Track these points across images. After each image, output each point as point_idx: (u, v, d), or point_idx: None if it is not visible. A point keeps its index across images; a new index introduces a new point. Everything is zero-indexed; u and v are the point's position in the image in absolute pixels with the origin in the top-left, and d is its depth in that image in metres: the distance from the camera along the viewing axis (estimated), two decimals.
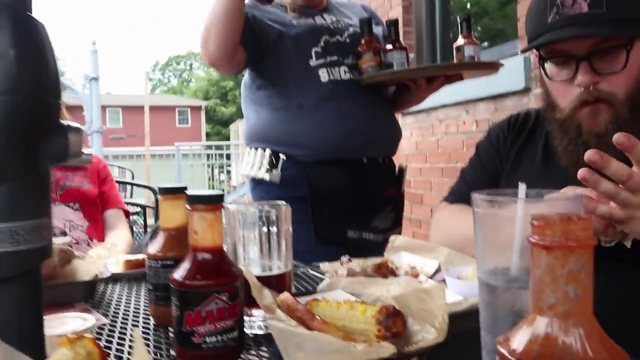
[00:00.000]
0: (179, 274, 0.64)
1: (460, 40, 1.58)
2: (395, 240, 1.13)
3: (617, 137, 0.80)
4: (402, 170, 1.70)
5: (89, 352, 0.56)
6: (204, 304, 0.62)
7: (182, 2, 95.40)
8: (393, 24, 1.64)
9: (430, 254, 1.05)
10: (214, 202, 0.64)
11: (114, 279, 1.11)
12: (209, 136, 33.54)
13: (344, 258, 1.02)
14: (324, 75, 1.55)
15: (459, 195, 1.29)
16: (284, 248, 0.81)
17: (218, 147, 10.85)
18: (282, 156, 1.54)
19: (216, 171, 10.84)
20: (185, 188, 0.83)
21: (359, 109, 1.56)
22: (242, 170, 1.63)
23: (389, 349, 0.58)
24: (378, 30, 1.69)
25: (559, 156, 1.07)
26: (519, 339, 0.38)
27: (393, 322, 0.63)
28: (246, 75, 1.67)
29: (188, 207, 0.64)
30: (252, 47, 1.53)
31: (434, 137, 3.17)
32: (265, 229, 0.80)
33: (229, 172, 12.04)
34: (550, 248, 0.36)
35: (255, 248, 0.80)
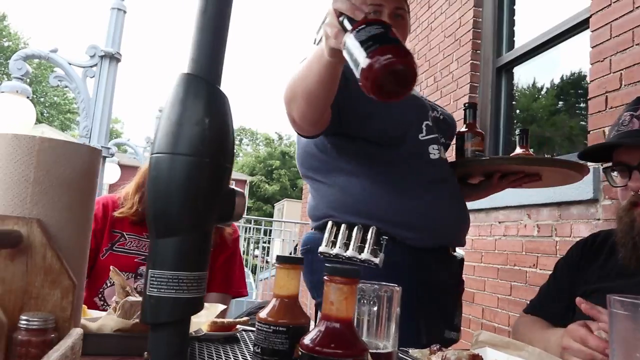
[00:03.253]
0: (310, 339, 0.68)
1: (518, 150, 1.63)
2: (479, 334, 1.13)
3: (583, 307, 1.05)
4: (462, 261, 1.62)
5: None
6: None
7: (236, 76, 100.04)
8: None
9: (518, 352, 1.04)
10: (353, 276, 0.68)
11: (205, 339, 1.14)
12: (249, 210, 34.01)
13: (435, 347, 1.03)
14: (434, 152, 1.43)
15: (533, 308, 1.43)
16: (393, 329, 0.83)
17: (257, 222, 10.99)
18: (384, 237, 1.33)
19: (252, 245, 10.92)
20: (302, 259, 0.87)
21: (458, 193, 1.48)
22: (325, 248, 1.36)
23: None
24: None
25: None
26: None
27: None
28: (321, 139, 1.41)
29: (326, 277, 0.69)
30: (346, 111, 1.34)
31: (491, 237, 3.16)
32: (375, 308, 0.84)
33: (263, 247, 12.12)
34: None
35: (365, 325, 0.83)
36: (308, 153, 1.47)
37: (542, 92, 3.49)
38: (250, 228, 10.52)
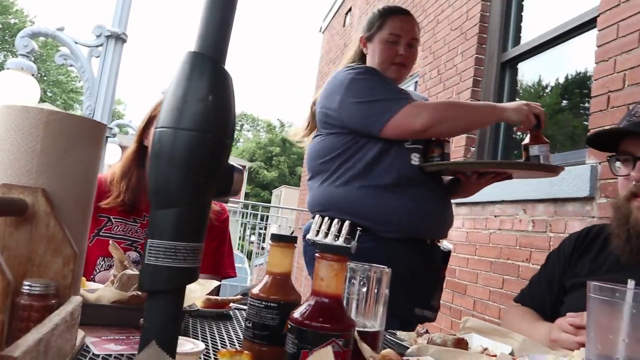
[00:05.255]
0: (299, 313, 0.71)
1: (527, 139, 1.66)
2: (466, 321, 1.16)
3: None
4: (449, 253, 1.81)
5: None
6: (322, 346, 0.68)
7: (240, 61, 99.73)
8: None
9: (502, 338, 1.07)
10: (343, 254, 0.71)
11: (198, 315, 1.17)
12: (247, 196, 34.06)
13: (421, 329, 1.07)
14: (415, 159, 1.66)
15: (523, 297, 1.46)
16: (381, 309, 0.86)
17: (254, 207, 11.03)
18: (358, 228, 1.60)
19: (248, 231, 10.98)
20: (296, 238, 0.90)
21: (435, 193, 1.70)
22: (311, 235, 1.67)
23: None
24: None
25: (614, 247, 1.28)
26: None
27: None
28: (324, 143, 1.70)
29: (317, 254, 0.72)
30: None
31: (486, 230, 3.19)
32: (365, 288, 0.86)
33: (259, 233, 12.18)
34: None
35: (354, 304, 0.86)
36: (323, 153, 1.71)
37: (547, 90, 3.49)
38: (247, 213, 10.55)
